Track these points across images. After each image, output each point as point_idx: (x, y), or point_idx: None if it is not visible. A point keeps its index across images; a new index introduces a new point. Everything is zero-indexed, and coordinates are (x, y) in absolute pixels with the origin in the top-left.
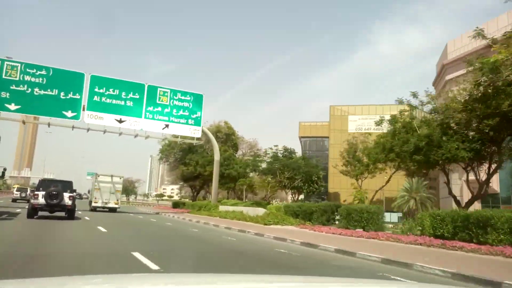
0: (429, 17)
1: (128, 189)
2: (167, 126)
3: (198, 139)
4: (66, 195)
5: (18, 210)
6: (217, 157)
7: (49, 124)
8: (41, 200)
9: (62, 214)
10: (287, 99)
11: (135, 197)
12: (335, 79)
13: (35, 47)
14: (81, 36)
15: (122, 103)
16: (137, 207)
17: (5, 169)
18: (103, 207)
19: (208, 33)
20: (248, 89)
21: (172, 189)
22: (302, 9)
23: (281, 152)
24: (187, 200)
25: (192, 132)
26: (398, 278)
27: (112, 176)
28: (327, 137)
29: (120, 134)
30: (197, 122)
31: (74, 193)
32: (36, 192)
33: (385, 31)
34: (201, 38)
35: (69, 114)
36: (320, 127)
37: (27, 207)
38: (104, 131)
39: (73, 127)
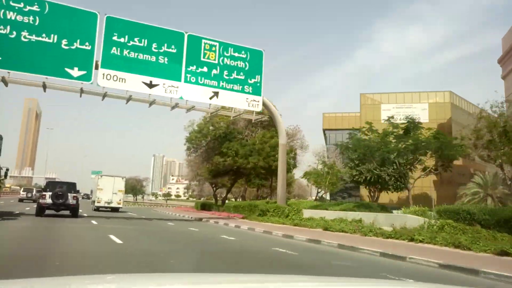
0: (431, 16)
1: (136, 188)
2: (215, 94)
3: (258, 113)
4: (70, 195)
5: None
6: (283, 140)
7: (44, 86)
8: (48, 200)
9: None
10: (290, 97)
11: (142, 197)
12: (338, 76)
13: None
14: None
15: (153, 59)
16: (154, 209)
17: (7, 169)
18: (106, 207)
19: (211, 31)
20: None
21: (177, 188)
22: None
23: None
24: (195, 199)
25: (250, 103)
26: None
27: (114, 176)
28: (358, 129)
29: (151, 103)
30: (257, 90)
31: (79, 193)
32: (43, 193)
33: (388, 29)
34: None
35: (75, 72)
36: (346, 118)
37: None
38: (128, 99)
39: (81, 91)
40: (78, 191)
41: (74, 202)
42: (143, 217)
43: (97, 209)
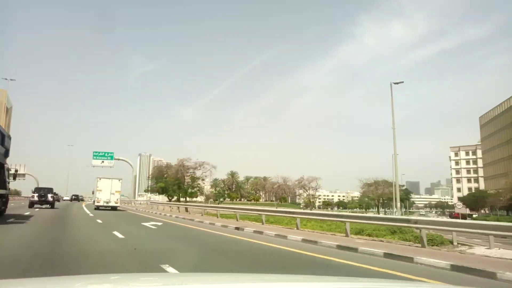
0: (412, 10)
1: (180, 182)
2: None
3: None
4: (49, 195)
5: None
6: None
7: None
8: (36, 198)
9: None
10: (273, 95)
11: (181, 197)
12: (320, 73)
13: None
14: (64, 35)
15: None
16: None
17: (16, 170)
18: (105, 206)
19: (192, 28)
20: (235, 85)
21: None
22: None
23: None
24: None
25: None
26: None
27: (112, 179)
28: None
29: None
30: None
31: (56, 194)
32: (33, 194)
33: (369, 24)
34: (186, 34)
35: None
36: None
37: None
38: None
39: None
40: (54, 193)
41: (51, 199)
42: None
43: (97, 208)
